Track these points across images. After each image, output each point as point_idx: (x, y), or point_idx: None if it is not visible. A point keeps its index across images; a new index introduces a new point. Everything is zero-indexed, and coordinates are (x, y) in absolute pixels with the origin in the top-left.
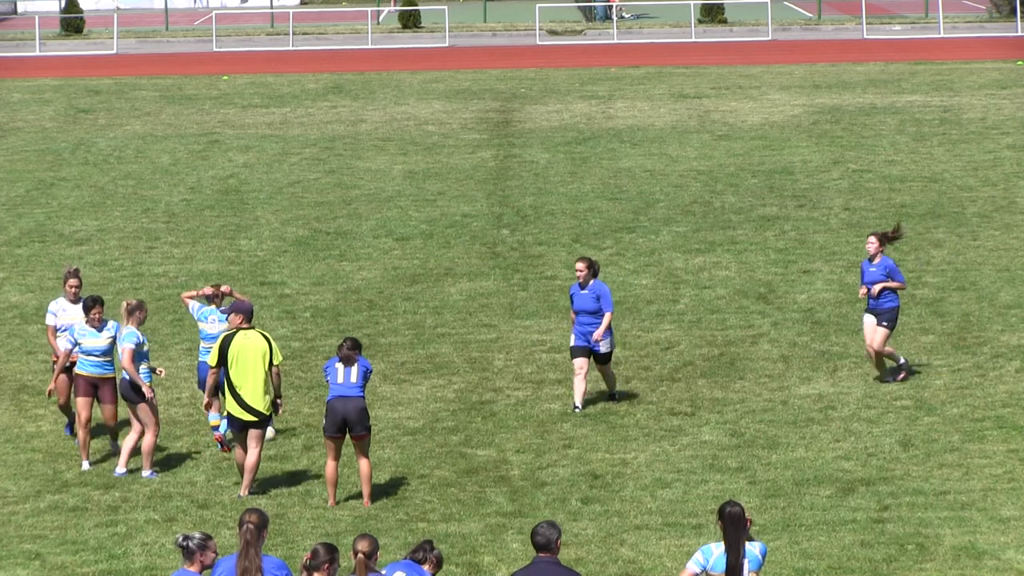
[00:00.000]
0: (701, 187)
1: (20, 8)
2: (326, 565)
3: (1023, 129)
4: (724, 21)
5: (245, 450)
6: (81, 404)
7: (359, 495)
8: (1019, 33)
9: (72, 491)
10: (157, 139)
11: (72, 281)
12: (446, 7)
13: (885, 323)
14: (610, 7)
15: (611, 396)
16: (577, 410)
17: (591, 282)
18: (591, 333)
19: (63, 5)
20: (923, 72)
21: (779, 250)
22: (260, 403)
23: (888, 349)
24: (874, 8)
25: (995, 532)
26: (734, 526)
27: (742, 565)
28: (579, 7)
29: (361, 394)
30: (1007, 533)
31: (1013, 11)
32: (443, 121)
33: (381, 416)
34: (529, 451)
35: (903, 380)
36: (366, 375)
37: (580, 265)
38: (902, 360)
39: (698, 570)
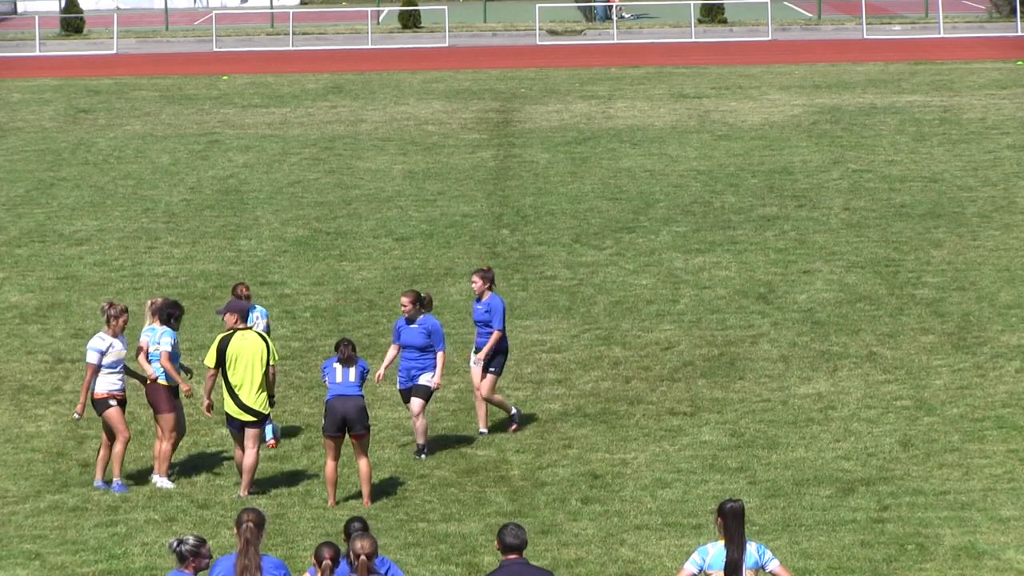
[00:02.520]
0: (701, 187)
1: (20, 8)
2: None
3: (1023, 129)
4: (724, 21)
5: (243, 450)
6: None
7: (359, 495)
8: (1019, 33)
9: (72, 491)
10: (157, 139)
11: (124, 317)
12: (446, 7)
13: (492, 368)
14: (610, 7)
15: (419, 450)
16: (422, 455)
17: (420, 317)
18: (415, 370)
19: (63, 5)
20: (923, 72)
21: (779, 250)
22: (257, 403)
23: (497, 397)
24: (874, 8)
25: (995, 532)
26: (736, 521)
27: (743, 561)
28: (579, 7)
29: (360, 393)
30: (1007, 533)
31: (1013, 11)
32: (443, 121)
33: (381, 416)
34: (529, 451)
35: (516, 431)
36: (363, 375)
37: (405, 300)
38: (513, 411)
39: (695, 570)
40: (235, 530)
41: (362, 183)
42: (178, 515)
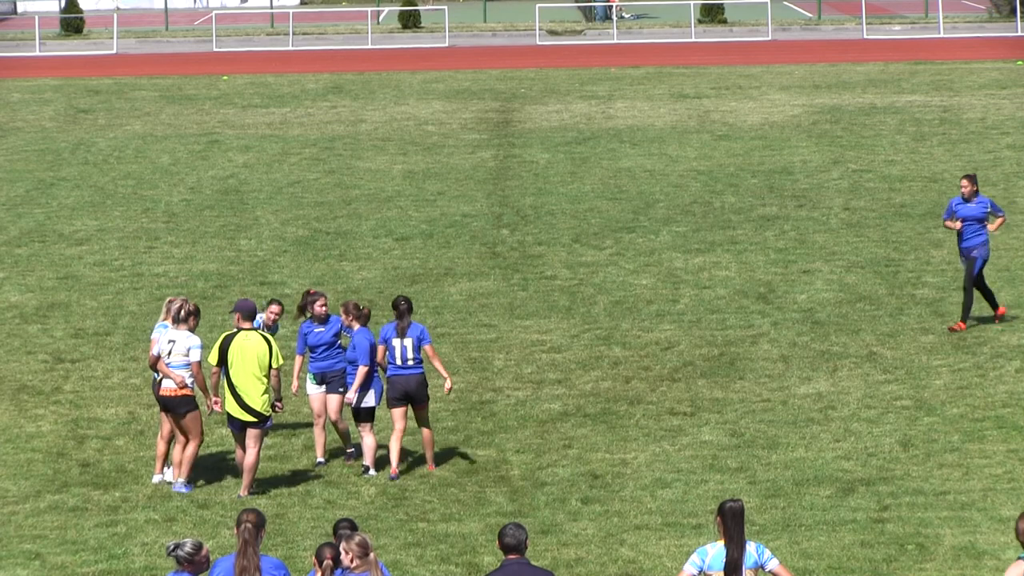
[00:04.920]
0: (701, 187)
1: (20, 8)
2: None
3: (1023, 129)
4: (724, 21)
5: (244, 450)
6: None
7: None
8: (1019, 33)
9: (72, 491)
10: (157, 139)
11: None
12: (446, 7)
13: (340, 390)
14: (610, 7)
15: (364, 470)
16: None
17: (356, 328)
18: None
19: (63, 5)
20: (923, 72)
21: (779, 250)
22: (258, 404)
23: (343, 425)
24: (874, 8)
25: (995, 532)
26: (736, 521)
27: (742, 561)
28: (579, 7)
29: (420, 370)
30: (1007, 533)
31: (1013, 11)
32: (443, 121)
33: (381, 416)
34: (529, 451)
35: (349, 463)
36: (420, 344)
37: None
38: (351, 449)
39: (695, 571)
40: (235, 530)
41: (362, 183)
42: (178, 515)
